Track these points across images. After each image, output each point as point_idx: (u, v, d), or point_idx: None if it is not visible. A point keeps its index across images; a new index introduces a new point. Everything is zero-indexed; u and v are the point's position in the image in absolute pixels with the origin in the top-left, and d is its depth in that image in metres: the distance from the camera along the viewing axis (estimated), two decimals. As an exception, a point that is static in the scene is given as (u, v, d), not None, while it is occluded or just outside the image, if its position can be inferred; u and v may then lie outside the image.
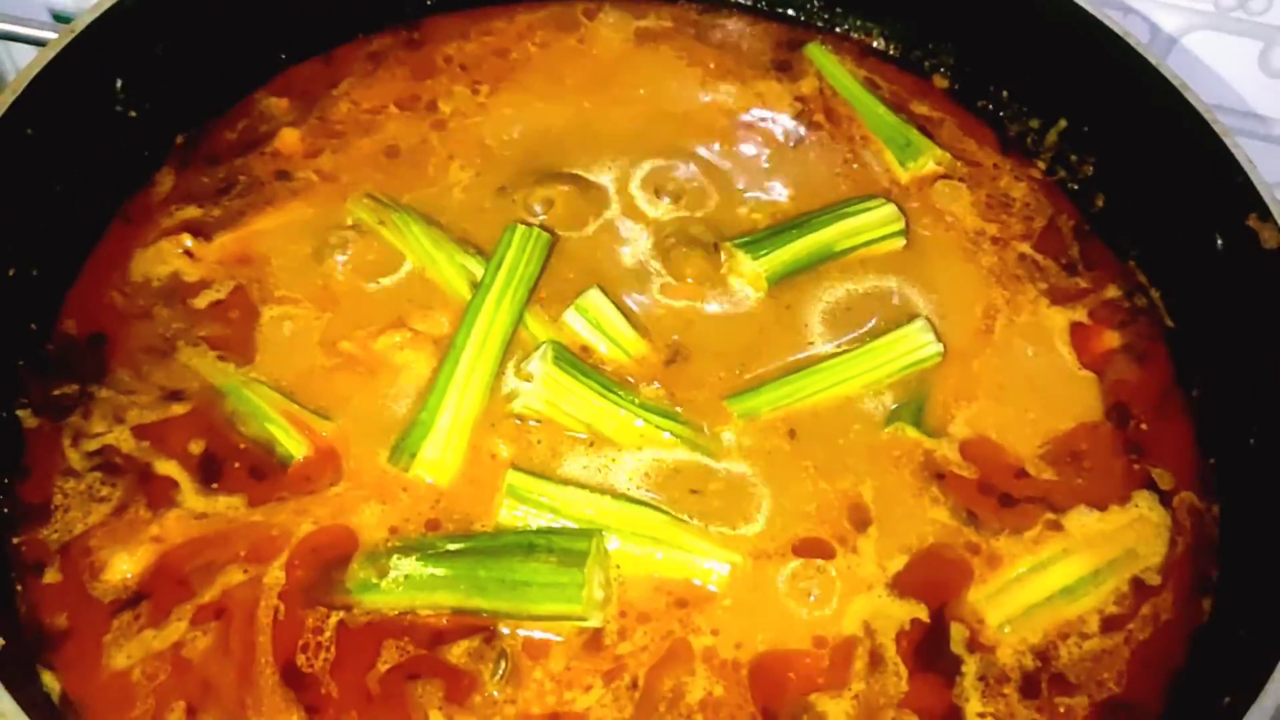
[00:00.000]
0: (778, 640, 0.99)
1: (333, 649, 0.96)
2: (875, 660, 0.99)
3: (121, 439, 1.06)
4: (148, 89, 1.22)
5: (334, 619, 0.97)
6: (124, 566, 0.98)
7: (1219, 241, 1.14)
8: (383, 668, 0.95)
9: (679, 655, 0.98)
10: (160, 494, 1.03)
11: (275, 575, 0.99)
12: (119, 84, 1.20)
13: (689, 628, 0.99)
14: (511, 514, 1.02)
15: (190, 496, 1.03)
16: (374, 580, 0.98)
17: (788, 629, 1.00)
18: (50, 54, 1.09)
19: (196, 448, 1.06)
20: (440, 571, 0.97)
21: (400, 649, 0.96)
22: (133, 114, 1.22)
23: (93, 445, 1.06)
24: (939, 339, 1.16)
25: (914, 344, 1.16)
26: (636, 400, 1.10)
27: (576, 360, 1.11)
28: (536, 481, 1.03)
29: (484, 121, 1.33)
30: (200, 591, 0.98)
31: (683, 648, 0.98)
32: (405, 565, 0.98)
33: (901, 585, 1.03)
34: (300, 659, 0.96)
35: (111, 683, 0.94)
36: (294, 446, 1.06)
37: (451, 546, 1.00)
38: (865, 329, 1.19)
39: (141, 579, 0.98)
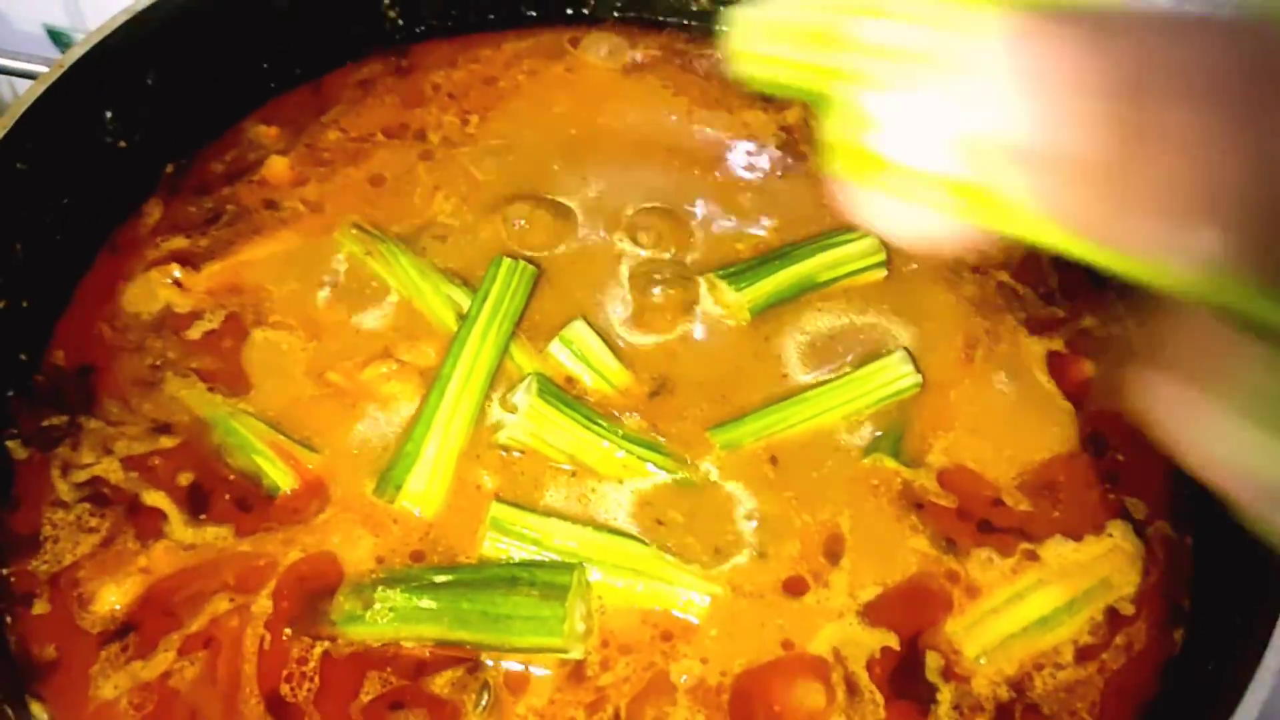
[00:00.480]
0: (758, 666, 1.01)
1: (317, 679, 0.98)
2: (852, 688, 1.00)
3: (110, 470, 1.07)
4: (137, 120, 1.24)
5: (319, 649, 0.99)
6: (112, 598, 1.00)
7: (1193, 274, 1.16)
8: (365, 698, 0.97)
9: (661, 686, 0.99)
10: (148, 525, 1.05)
11: (263, 604, 1.01)
12: (109, 115, 1.21)
13: (671, 658, 1.01)
14: (495, 546, 1.03)
15: (178, 528, 1.05)
16: (359, 612, 0.99)
17: (768, 658, 1.01)
18: (40, 88, 1.11)
19: (185, 479, 1.08)
20: (425, 604, 0.99)
21: (383, 680, 0.98)
22: (122, 145, 1.23)
23: (82, 476, 1.07)
24: (918, 369, 1.18)
25: (893, 375, 1.17)
26: (620, 432, 1.11)
27: (561, 392, 1.12)
28: (520, 514, 1.05)
29: (471, 152, 1.35)
30: (188, 622, 1.00)
31: (664, 679, 1.00)
32: (390, 597, 0.99)
33: (874, 614, 1.04)
34: (284, 689, 0.97)
35: (99, 714, 0.95)
36: (281, 478, 1.07)
37: (436, 579, 1.01)
38: (846, 359, 1.20)
39: (129, 610, 1.00)
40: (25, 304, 1.13)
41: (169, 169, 1.29)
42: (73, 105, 1.15)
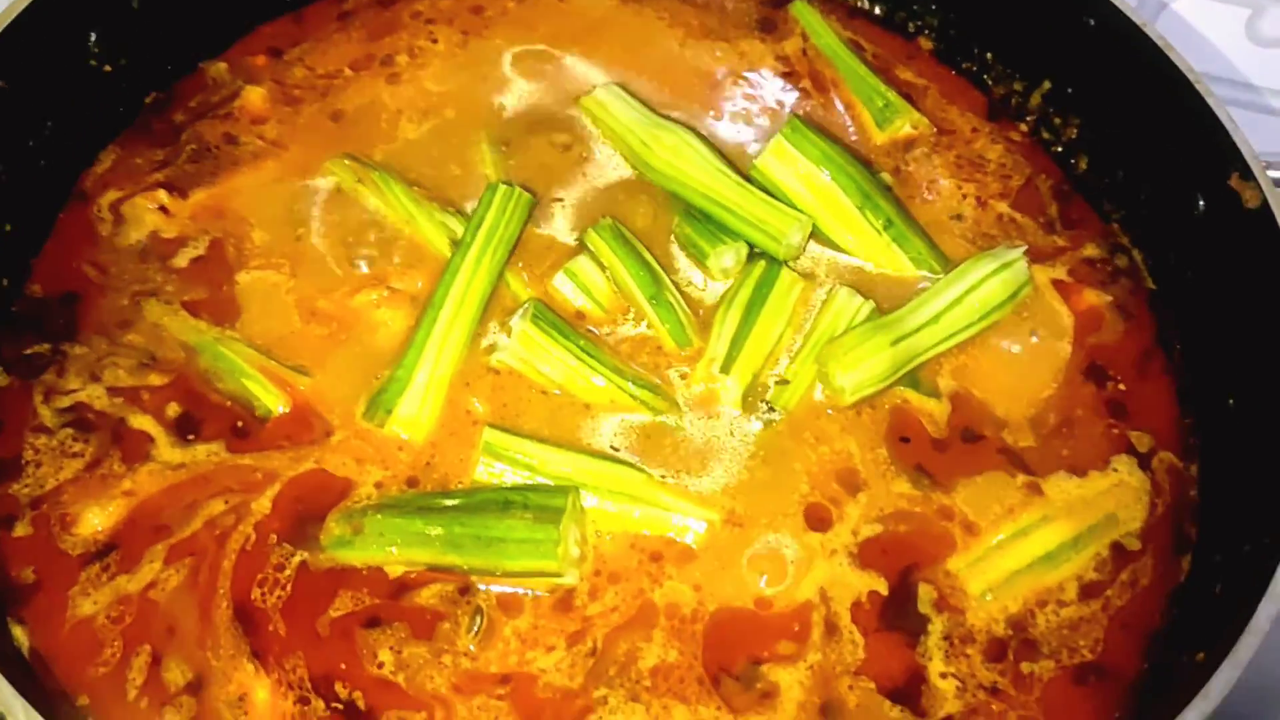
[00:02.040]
0: (738, 602, 0.99)
1: (289, 587, 0.97)
2: (830, 628, 0.98)
3: (95, 396, 1.05)
4: (122, 44, 1.21)
5: (297, 558, 0.98)
6: (95, 520, 0.98)
7: (1201, 203, 1.14)
8: (335, 613, 0.95)
9: (644, 616, 0.98)
10: (135, 449, 1.03)
11: (262, 504, 1.00)
12: (94, 37, 1.18)
13: (658, 583, 0.99)
14: (488, 471, 1.01)
15: (165, 449, 1.03)
16: (349, 537, 0.97)
17: (749, 592, 1.00)
18: (23, 3, 1.08)
19: (172, 404, 1.05)
20: (416, 528, 0.97)
21: (356, 598, 0.96)
22: (107, 69, 1.20)
23: (65, 402, 1.05)
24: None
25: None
26: (614, 365, 1.09)
27: (557, 320, 1.10)
28: (513, 439, 1.03)
29: (443, 71, 1.31)
30: (178, 530, 0.98)
31: (649, 608, 0.98)
32: (380, 522, 0.97)
33: (866, 552, 1.02)
34: (255, 593, 0.96)
35: (77, 630, 0.93)
36: (272, 401, 1.05)
37: (427, 503, 0.99)
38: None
39: (112, 531, 0.98)
40: (8, 228, 1.11)
41: (151, 98, 1.26)
42: (57, 23, 1.12)
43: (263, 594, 0.96)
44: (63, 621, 0.94)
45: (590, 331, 1.12)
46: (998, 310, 1.15)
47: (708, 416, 1.08)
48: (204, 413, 1.05)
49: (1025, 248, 1.17)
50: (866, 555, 1.02)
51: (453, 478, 1.03)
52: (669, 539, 1.01)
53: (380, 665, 0.93)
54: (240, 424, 1.05)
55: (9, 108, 1.09)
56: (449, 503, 0.99)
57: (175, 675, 0.92)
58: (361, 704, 0.92)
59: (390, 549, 0.97)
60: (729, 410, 1.09)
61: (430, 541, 0.96)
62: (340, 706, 0.92)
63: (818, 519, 1.04)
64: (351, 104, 1.27)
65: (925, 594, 1.01)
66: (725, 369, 1.09)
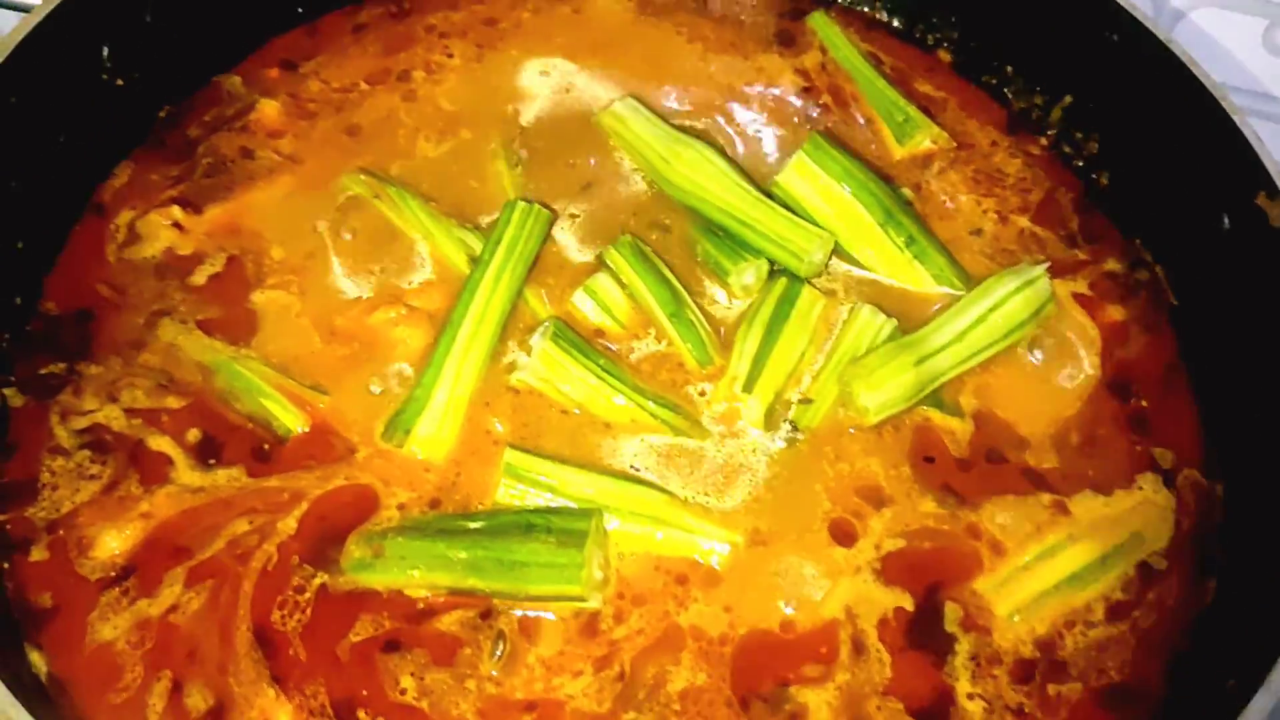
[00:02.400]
0: (764, 623, 0.98)
1: (309, 611, 0.95)
2: (858, 647, 0.97)
3: (113, 417, 1.04)
4: (135, 58, 1.19)
5: (318, 580, 0.97)
6: (112, 544, 0.97)
7: (1226, 220, 1.13)
8: (355, 638, 0.94)
9: (670, 639, 0.96)
10: (153, 471, 1.01)
11: (288, 524, 0.99)
12: (106, 51, 1.17)
13: (684, 606, 0.98)
14: (509, 493, 1.00)
15: (185, 472, 1.01)
16: (369, 560, 0.96)
17: (775, 613, 0.99)
18: (35, 19, 1.06)
19: (190, 425, 1.04)
20: (437, 551, 0.96)
21: (376, 622, 0.95)
22: (120, 83, 1.19)
23: (82, 423, 1.04)
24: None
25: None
26: (635, 384, 1.08)
27: (577, 339, 1.09)
28: (535, 460, 1.02)
29: (453, 88, 1.30)
30: (199, 552, 0.97)
31: (675, 631, 0.97)
32: (401, 544, 0.96)
33: (891, 570, 1.02)
34: (275, 615, 0.95)
35: (96, 655, 0.92)
36: (291, 420, 1.04)
37: (448, 525, 0.98)
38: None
39: (130, 555, 0.97)
40: (19, 246, 1.09)
41: (165, 112, 1.25)
42: (69, 39, 1.11)
43: (283, 617, 0.95)
44: (82, 647, 0.92)
45: (610, 350, 1.11)
46: (1021, 328, 1.14)
47: (730, 436, 1.07)
48: (224, 434, 1.04)
49: (1048, 264, 1.16)
50: (891, 571, 1.01)
51: (474, 499, 1.02)
52: (693, 561, 1.00)
53: (403, 692, 0.92)
54: (265, 446, 1.03)
55: (21, 123, 1.08)
56: (470, 525, 0.98)
57: (197, 701, 0.91)
58: (386, 731, 0.91)
59: (411, 572, 0.95)
60: (751, 430, 1.08)
61: (452, 565, 0.95)
62: (363, 734, 0.91)
63: (842, 534, 1.03)
64: (367, 118, 1.26)
65: (952, 613, 1.00)
66: (747, 388, 1.08)
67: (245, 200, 1.18)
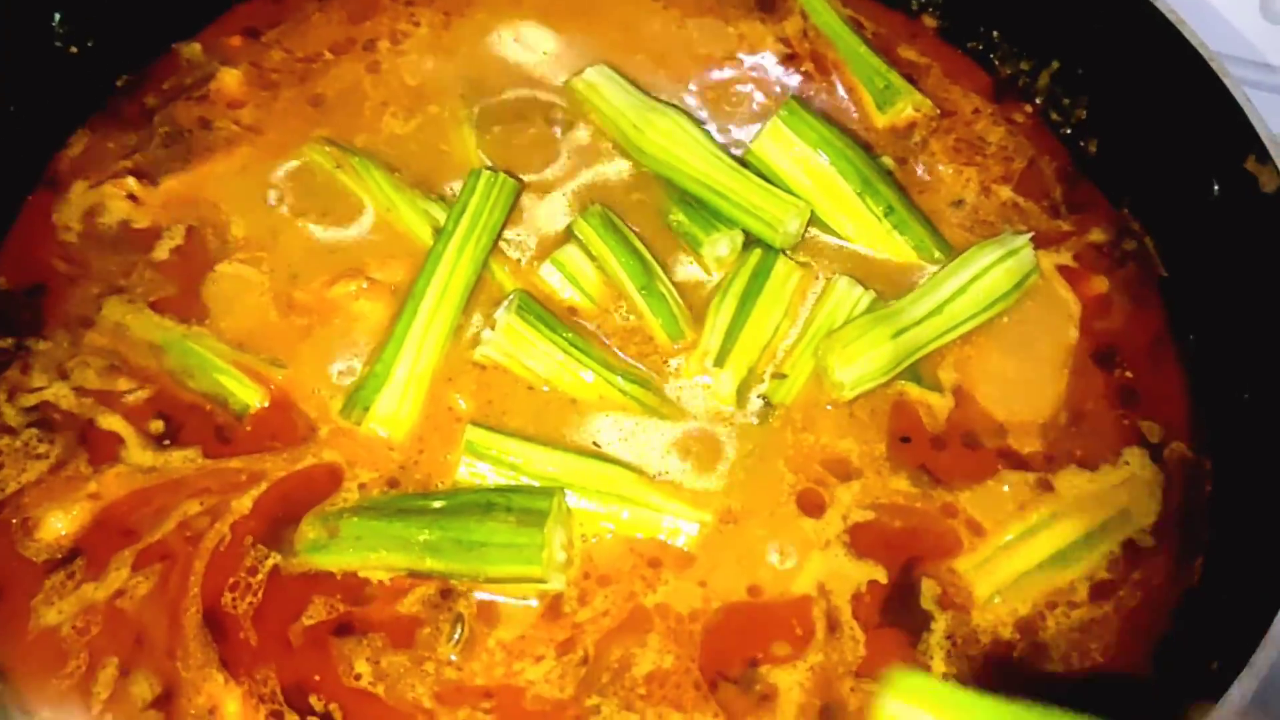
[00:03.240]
0: (734, 601, 0.95)
1: (261, 594, 0.92)
2: (832, 624, 0.94)
3: (61, 395, 1.01)
4: (88, 24, 1.15)
5: (270, 561, 0.94)
6: (58, 525, 0.94)
7: (1215, 187, 1.09)
8: (307, 621, 0.92)
9: (637, 620, 0.94)
10: (103, 450, 0.98)
11: (243, 504, 0.96)
12: (58, 17, 1.13)
13: (651, 587, 0.95)
14: (470, 471, 0.97)
15: (136, 452, 0.98)
16: (324, 541, 0.93)
17: (745, 591, 0.96)
18: (-20, -17, 1.03)
19: (144, 405, 1.01)
20: (393, 531, 0.92)
21: (330, 605, 0.92)
22: (73, 50, 1.15)
23: (30, 400, 1.00)
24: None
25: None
26: (603, 359, 1.04)
27: (544, 312, 1.05)
28: (496, 437, 0.98)
29: (426, 54, 1.26)
30: (147, 535, 0.94)
31: (641, 612, 0.94)
32: (357, 525, 0.93)
33: (860, 544, 0.99)
34: (226, 598, 0.92)
35: (40, 642, 0.89)
36: (248, 395, 1.01)
37: (405, 505, 0.95)
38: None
39: (76, 537, 0.94)
40: (-31, 217, 1.06)
41: (121, 81, 1.21)
42: (17, 5, 1.07)
43: (234, 599, 0.92)
44: (25, 632, 0.89)
45: (578, 324, 1.08)
46: (1003, 299, 1.10)
47: (701, 412, 1.04)
48: (180, 414, 1.01)
49: (1031, 234, 1.13)
50: (862, 543, 0.98)
51: (434, 478, 0.98)
52: (661, 540, 0.97)
53: (358, 677, 0.89)
54: (220, 424, 1.00)
55: (-31, 93, 1.05)
56: (428, 504, 0.95)
57: (143, 689, 0.88)
58: (339, 716, 0.88)
59: (367, 554, 0.92)
60: (723, 406, 1.04)
61: (409, 546, 0.92)
62: (316, 719, 0.88)
63: (810, 505, 1.00)
64: (332, 89, 1.22)
65: (928, 589, 0.97)
66: (719, 362, 1.05)
67: (203, 172, 1.15)
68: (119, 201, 1.11)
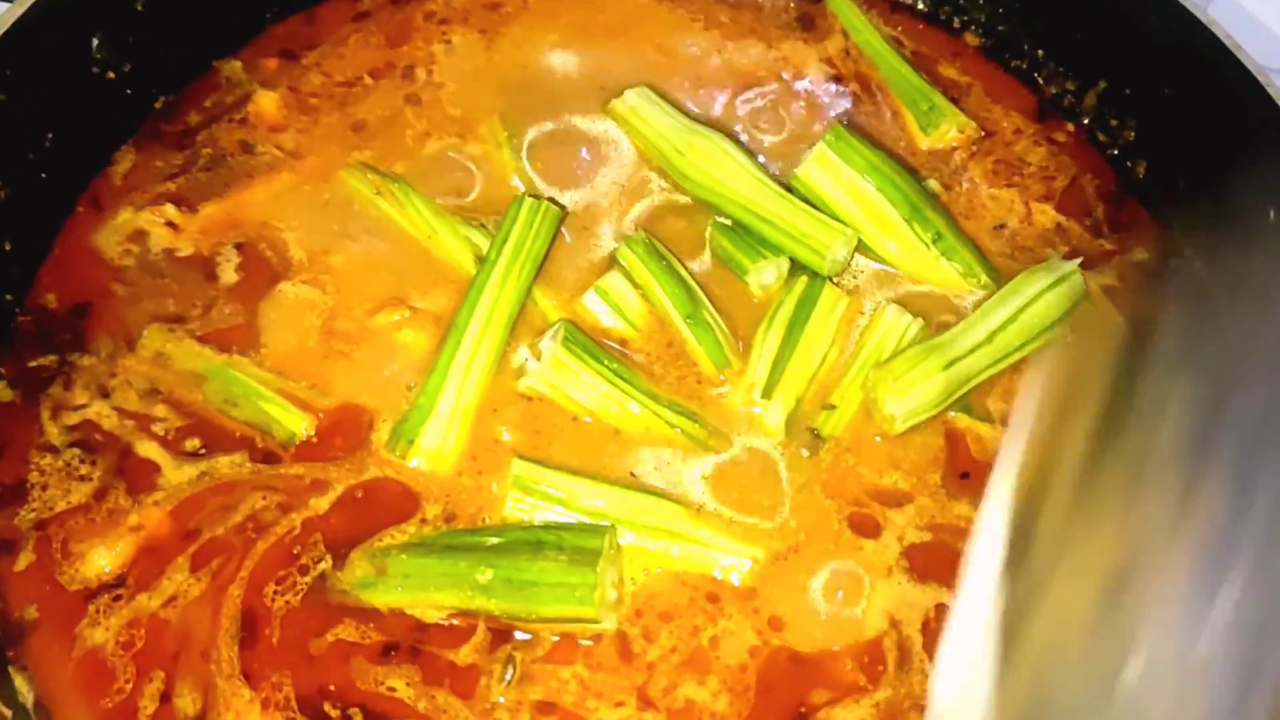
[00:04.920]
0: (794, 640, 0.94)
1: (297, 599, 0.93)
2: (903, 655, 0.93)
3: (103, 414, 1.00)
4: (126, 49, 1.14)
5: (324, 564, 0.94)
6: (101, 561, 0.93)
7: (1271, 214, 1.07)
8: (330, 638, 0.91)
9: (696, 660, 0.92)
10: (140, 479, 0.97)
11: (319, 504, 0.97)
12: (95, 43, 1.11)
13: (712, 620, 0.94)
14: (518, 506, 0.96)
15: (171, 472, 0.97)
16: (372, 578, 0.92)
17: (804, 628, 0.94)
18: (20, 10, 1.01)
19: (178, 431, 1.00)
20: (442, 569, 0.91)
21: (363, 632, 0.91)
22: (110, 76, 1.14)
23: (74, 419, 1.00)
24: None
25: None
26: (649, 390, 1.03)
27: (589, 343, 1.04)
28: (544, 471, 0.97)
29: (463, 77, 1.24)
30: (208, 530, 0.95)
31: (700, 652, 0.92)
32: (405, 563, 0.92)
33: (919, 563, 0.98)
34: (268, 589, 0.93)
35: (84, 664, 0.89)
36: (294, 423, 1.00)
37: (453, 542, 0.93)
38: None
39: (119, 571, 0.93)
40: (7, 247, 1.05)
41: (159, 104, 1.19)
42: (56, 30, 1.06)
43: (274, 592, 0.93)
44: (68, 661, 0.89)
45: (623, 354, 1.06)
46: (1054, 327, 1.08)
47: (749, 444, 1.02)
48: (219, 438, 1.00)
49: (1080, 260, 1.11)
50: (922, 565, 0.97)
51: (482, 512, 0.97)
52: (714, 577, 0.96)
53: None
54: (265, 449, 1.00)
55: (9, 120, 1.03)
56: (479, 542, 0.93)
57: (186, 703, 0.88)
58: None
59: (416, 592, 0.91)
60: (771, 438, 1.03)
61: (459, 585, 0.90)
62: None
63: (865, 530, 0.99)
64: (373, 114, 1.20)
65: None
66: (767, 393, 1.03)
67: (243, 198, 1.13)
68: (158, 228, 1.10)
